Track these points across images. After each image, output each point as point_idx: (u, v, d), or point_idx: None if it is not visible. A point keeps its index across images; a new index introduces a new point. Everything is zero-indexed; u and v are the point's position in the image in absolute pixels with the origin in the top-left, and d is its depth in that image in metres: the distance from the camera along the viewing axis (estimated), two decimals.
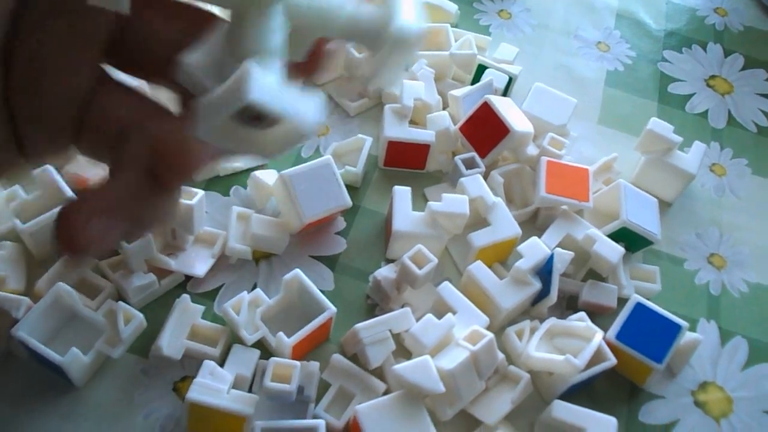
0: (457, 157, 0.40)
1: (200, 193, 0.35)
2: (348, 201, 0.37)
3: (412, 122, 0.43)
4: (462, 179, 0.38)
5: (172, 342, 0.33)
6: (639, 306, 0.35)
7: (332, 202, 0.37)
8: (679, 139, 0.42)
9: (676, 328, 0.35)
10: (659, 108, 0.49)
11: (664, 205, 0.44)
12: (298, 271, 0.34)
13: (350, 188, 0.40)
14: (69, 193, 0.35)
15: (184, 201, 0.34)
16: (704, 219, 0.44)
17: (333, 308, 0.33)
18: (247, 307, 0.34)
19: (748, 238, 0.44)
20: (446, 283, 0.35)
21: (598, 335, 0.34)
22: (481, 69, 0.45)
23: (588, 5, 0.55)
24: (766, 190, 0.46)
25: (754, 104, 0.51)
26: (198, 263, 0.35)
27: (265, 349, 0.34)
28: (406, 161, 0.42)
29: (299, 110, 0.17)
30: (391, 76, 0.21)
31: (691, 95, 0.51)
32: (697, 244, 0.43)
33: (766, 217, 0.45)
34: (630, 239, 0.39)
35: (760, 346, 0.39)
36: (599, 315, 0.38)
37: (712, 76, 0.52)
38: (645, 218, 0.39)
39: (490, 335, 0.32)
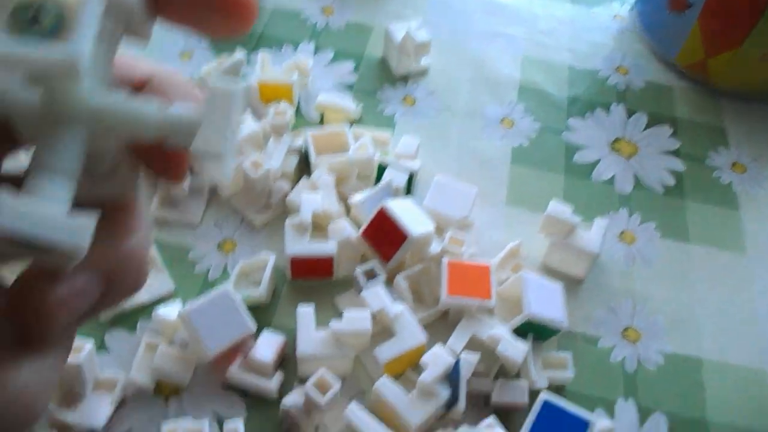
0: (356, 270, 0.40)
1: (86, 347, 0.35)
2: (250, 327, 0.37)
3: (318, 230, 0.43)
4: (363, 293, 0.38)
5: None
6: (546, 404, 0.35)
7: (235, 331, 0.37)
8: (576, 220, 0.43)
9: (584, 425, 0.35)
10: (566, 180, 0.50)
11: (576, 283, 0.44)
12: (239, 425, 0.34)
13: (258, 309, 0.40)
14: None
15: (69, 360, 0.34)
16: (617, 292, 0.45)
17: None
18: None
19: (661, 307, 0.44)
20: (353, 406, 0.35)
21: None
22: (382, 169, 0.45)
23: (492, 81, 0.56)
24: (675, 253, 0.47)
25: (660, 163, 0.52)
26: (98, 413, 0.35)
27: None
28: (313, 272, 0.42)
29: (59, 236, 0.16)
30: (219, 149, 0.19)
31: (596, 162, 0.52)
32: (610, 319, 0.43)
33: (677, 283, 0.45)
34: (537, 330, 0.39)
35: (678, 421, 0.39)
36: (513, 412, 0.38)
37: (616, 139, 0.53)
38: (549, 307, 0.39)
39: None
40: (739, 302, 0.45)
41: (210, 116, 0.18)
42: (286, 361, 0.39)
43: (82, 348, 0.35)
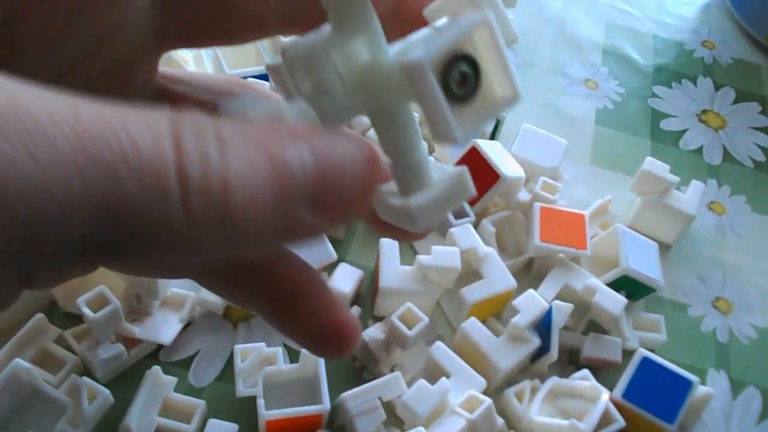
0: None
1: None
2: (332, 254, 0.35)
3: None
4: (452, 230, 0.36)
5: (141, 419, 0.30)
6: (645, 361, 0.33)
7: (316, 256, 0.35)
8: (675, 179, 0.40)
9: (687, 384, 0.32)
10: (652, 146, 0.48)
11: (664, 248, 0.42)
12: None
13: (333, 241, 0.38)
14: None
15: None
16: (706, 261, 0.42)
17: (327, 406, 0.30)
18: (258, 361, 0.32)
19: (753, 279, 0.42)
20: (439, 344, 0.33)
21: (605, 395, 0.31)
22: None
23: (573, 42, 0.54)
24: (767, 228, 0.44)
25: (748, 138, 0.49)
26: (165, 329, 0.33)
27: (244, 424, 0.31)
28: None
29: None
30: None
31: (684, 131, 0.49)
32: (700, 288, 0.41)
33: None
34: (631, 287, 0.37)
35: None
36: (603, 370, 0.35)
37: (704, 111, 0.51)
38: (646, 264, 0.37)
39: (488, 401, 0.30)
40: None
41: (441, 187, 0.17)
42: (360, 300, 0.37)
43: None
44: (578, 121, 0.48)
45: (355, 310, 0.35)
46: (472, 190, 0.17)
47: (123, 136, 0.11)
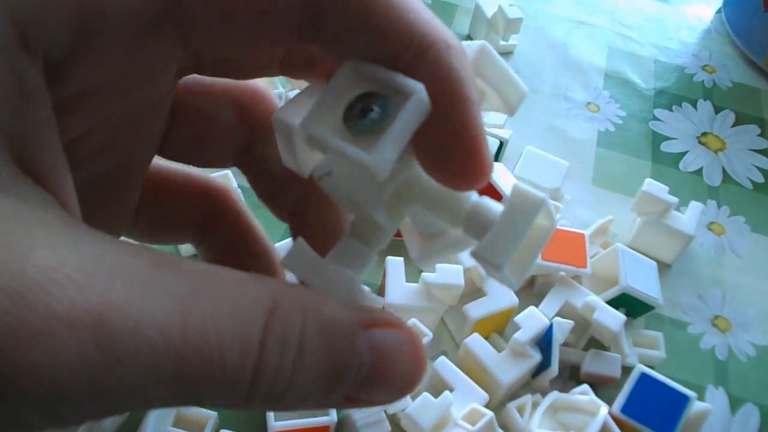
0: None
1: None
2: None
3: None
4: None
5: (156, 430, 0.31)
6: (644, 376, 0.34)
7: None
8: (674, 199, 0.41)
9: (683, 400, 0.33)
10: (653, 167, 0.49)
11: (664, 267, 0.43)
12: None
13: None
14: None
15: None
16: (705, 280, 0.43)
17: (334, 418, 0.32)
18: None
19: (751, 298, 0.42)
20: (442, 359, 0.34)
21: (604, 409, 0.32)
22: None
23: (576, 67, 0.55)
24: (765, 248, 0.45)
25: (747, 160, 0.51)
26: None
27: None
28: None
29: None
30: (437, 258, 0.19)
31: (684, 153, 0.50)
32: (699, 306, 0.42)
33: (766, 278, 0.44)
34: (631, 305, 0.38)
35: None
36: (603, 386, 0.36)
37: (704, 133, 0.52)
38: (645, 283, 0.38)
39: (489, 414, 0.31)
40: None
41: (507, 221, 0.16)
42: None
43: None
44: (580, 143, 0.49)
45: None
46: (546, 206, 0.17)
47: (215, 348, 0.13)
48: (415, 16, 0.16)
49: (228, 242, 0.23)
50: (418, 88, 0.15)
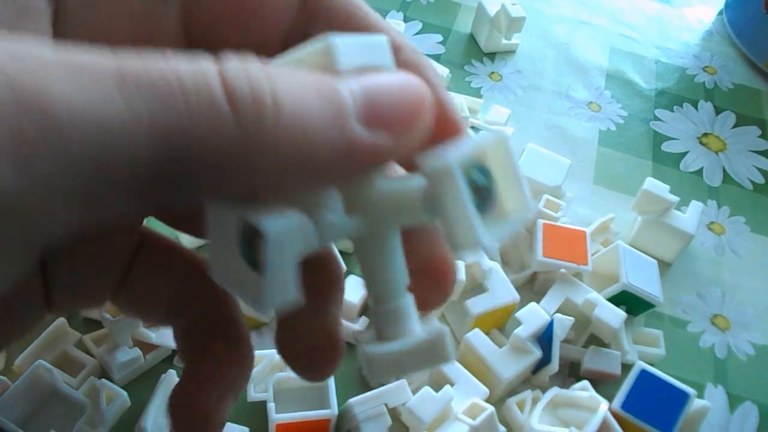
0: None
1: None
2: (342, 265, 0.36)
3: None
4: None
5: (157, 420, 0.31)
6: (644, 373, 0.34)
7: None
8: (675, 198, 0.41)
9: (684, 397, 0.33)
10: (654, 167, 0.49)
11: (664, 266, 0.43)
12: None
13: (343, 254, 0.39)
14: None
15: None
16: (706, 279, 0.43)
17: (335, 411, 0.32)
18: (269, 367, 0.33)
19: (751, 298, 0.43)
20: None
21: (603, 405, 0.32)
22: (474, 131, 0.44)
23: (578, 66, 0.55)
24: (764, 248, 0.45)
25: (748, 161, 0.51)
26: None
27: (255, 427, 0.32)
28: None
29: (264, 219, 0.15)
30: None
31: (684, 153, 0.50)
32: (699, 305, 0.42)
33: (766, 274, 0.44)
34: (631, 302, 0.38)
35: None
36: (603, 383, 0.36)
37: (705, 134, 0.52)
38: (645, 280, 0.38)
39: (490, 408, 0.31)
40: None
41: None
42: (369, 309, 0.38)
43: None
44: (582, 142, 0.49)
45: (363, 321, 0.37)
46: (450, 357, 0.16)
47: (165, 67, 0.12)
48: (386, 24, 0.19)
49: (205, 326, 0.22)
50: (269, 228, 0.14)
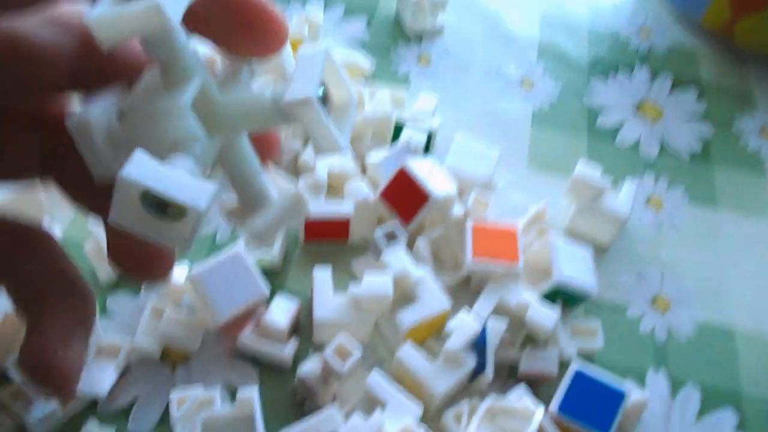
0: (376, 232, 0.38)
1: None
2: (264, 290, 0.35)
3: (332, 191, 0.41)
4: (384, 255, 0.36)
5: None
6: (578, 375, 0.33)
7: (247, 294, 0.35)
8: (606, 184, 0.40)
9: (619, 396, 0.33)
10: (588, 145, 0.48)
11: (602, 250, 0.42)
12: (253, 394, 0.32)
13: (269, 274, 0.38)
14: None
15: None
16: (644, 258, 0.43)
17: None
18: (194, 407, 0.32)
19: (689, 272, 0.42)
20: (374, 374, 0.33)
21: (539, 413, 0.32)
22: (399, 128, 0.43)
23: (509, 40, 0.54)
24: (703, 220, 0.45)
25: (686, 128, 0.50)
26: (100, 380, 0.33)
27: None
28: (327, 235, 0.39)
29: (188, 195, 0.18)
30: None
31: (620, 126, 0.49)
32: (638, 287, 0.41)
33: (705, 249, 0.43)
34: (566, 297, 0.37)
35: (712, 392, 0.38)
36: (543, 383, 0.36)
37: (641, 103, 0.51)
38: (580, 271, 0.37)
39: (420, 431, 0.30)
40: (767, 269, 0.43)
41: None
42: (300, 329, 0.37)
43: None
44: (514, 124, 0.48)
45: (293, 342, 0.36)
46: (307, 208, 0.23)
47: None
48: None
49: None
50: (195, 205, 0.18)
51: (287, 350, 0.35)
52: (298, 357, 0.35)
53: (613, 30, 0.56)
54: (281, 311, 0.36)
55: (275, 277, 0.38)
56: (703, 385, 0.38)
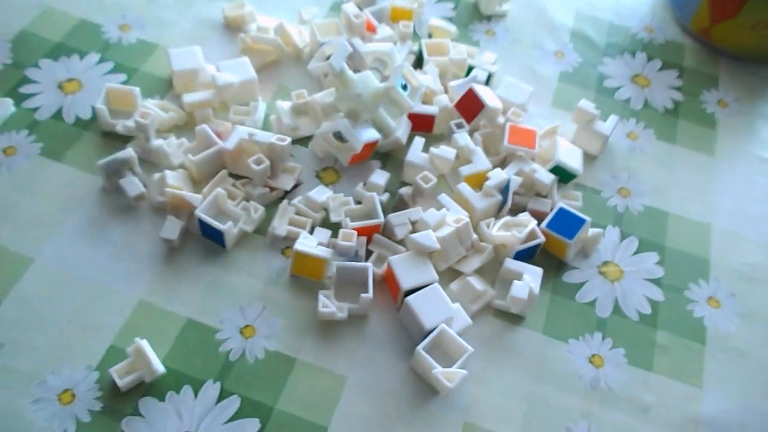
0: (451, 122, 0.63)
1: (287, 139, 0.59)
2: (378, 136, 0.60)
3: (425, 102, 0.66)
4: (454, 135, 0.61)
5: (281, 226, 0.56)
6: (561, 209, 0.58)
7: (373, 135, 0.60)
8: (597, 111, 0.64)
9: (582, 221, 0.57)
10: (596, 96, 0.72)
11: (591, 158, 0.66)
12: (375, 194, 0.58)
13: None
14: (218, 141, 0.59)
15: (277, 143, 0.57)
16: (618, 166, 0.66)
17: (382, 219, 0.56)
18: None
19: (647, 178, 0.66)
20: (443, 194, 0.58)
21: (533, 222, 0.56)
22: (470, 68, 0.68)
23: (551, 27, 0.78)
24: (663, 150, 0.68)
25: (664, 93, 0.73)
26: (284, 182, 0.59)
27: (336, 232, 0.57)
28: (421, 126, 0.65)
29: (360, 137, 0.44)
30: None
31: (619, 87, 0.73)
32: (611, 181, 0.65)
33: (660, 167, 0.67)
34: (562, 174, 0.62)
35: (646, 242, 0.61)
36: (539, 218, 0.60)
37: (636, 75, 0.75)
38: (572, 160, 0.62)
39: (467, 218, 0.55)
40: (703, 188, 0.66)
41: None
42: (394, 167, 0.62)
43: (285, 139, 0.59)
44: (546, 79, 0.73)
45: (386, 173, 0.61)
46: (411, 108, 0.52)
47: None
48: None
49: None
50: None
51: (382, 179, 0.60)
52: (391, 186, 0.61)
53: (626, 25, 0.80)
54: (380, 176, 0.61)
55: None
56: (640, 238, 0.61)
